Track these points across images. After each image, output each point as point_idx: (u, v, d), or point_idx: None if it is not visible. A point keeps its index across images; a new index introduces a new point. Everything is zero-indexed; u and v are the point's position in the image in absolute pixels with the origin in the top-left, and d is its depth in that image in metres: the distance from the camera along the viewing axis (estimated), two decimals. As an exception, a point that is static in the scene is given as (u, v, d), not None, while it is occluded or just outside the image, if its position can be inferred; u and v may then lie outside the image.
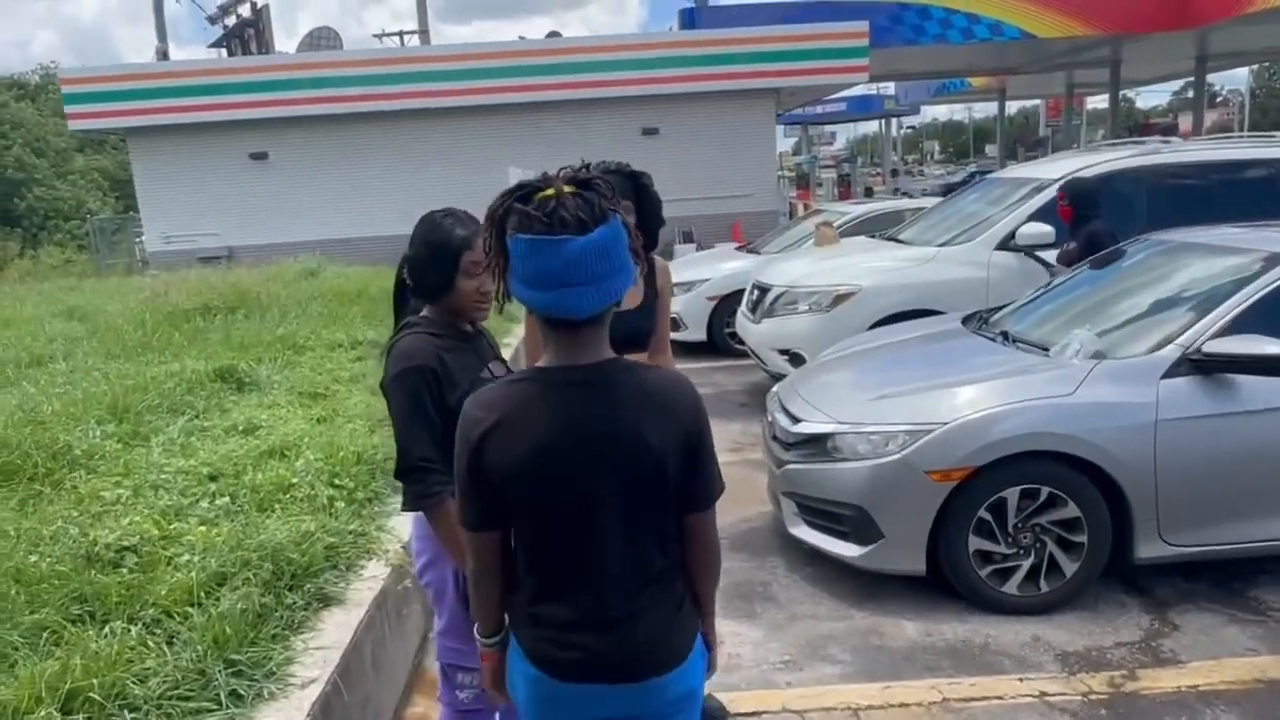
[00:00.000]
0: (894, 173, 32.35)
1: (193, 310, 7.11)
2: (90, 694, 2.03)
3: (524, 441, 1.47)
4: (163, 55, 19.39)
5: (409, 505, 2.12)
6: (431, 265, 2.12)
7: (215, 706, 2.16)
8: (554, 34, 20.34)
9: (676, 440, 1.52)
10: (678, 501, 1.58)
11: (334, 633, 2.60)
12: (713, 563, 1.67)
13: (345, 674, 2.49)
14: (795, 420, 4.12)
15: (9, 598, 2.48)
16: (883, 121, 41.75)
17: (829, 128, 45.86)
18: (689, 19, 19.02)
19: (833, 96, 28.12)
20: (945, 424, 3.61)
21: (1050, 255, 5.93)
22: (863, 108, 36.45)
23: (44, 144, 33.98)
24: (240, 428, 4.22)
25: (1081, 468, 3.52)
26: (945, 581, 3.67)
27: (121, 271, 16.71)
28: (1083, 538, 3.56)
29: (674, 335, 9.38)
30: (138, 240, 19.62)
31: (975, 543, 3.59)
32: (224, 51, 19.43)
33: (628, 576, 1.55)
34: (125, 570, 2.74)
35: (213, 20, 21.93)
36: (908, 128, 61.30)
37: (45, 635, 2.34)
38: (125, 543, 2.86)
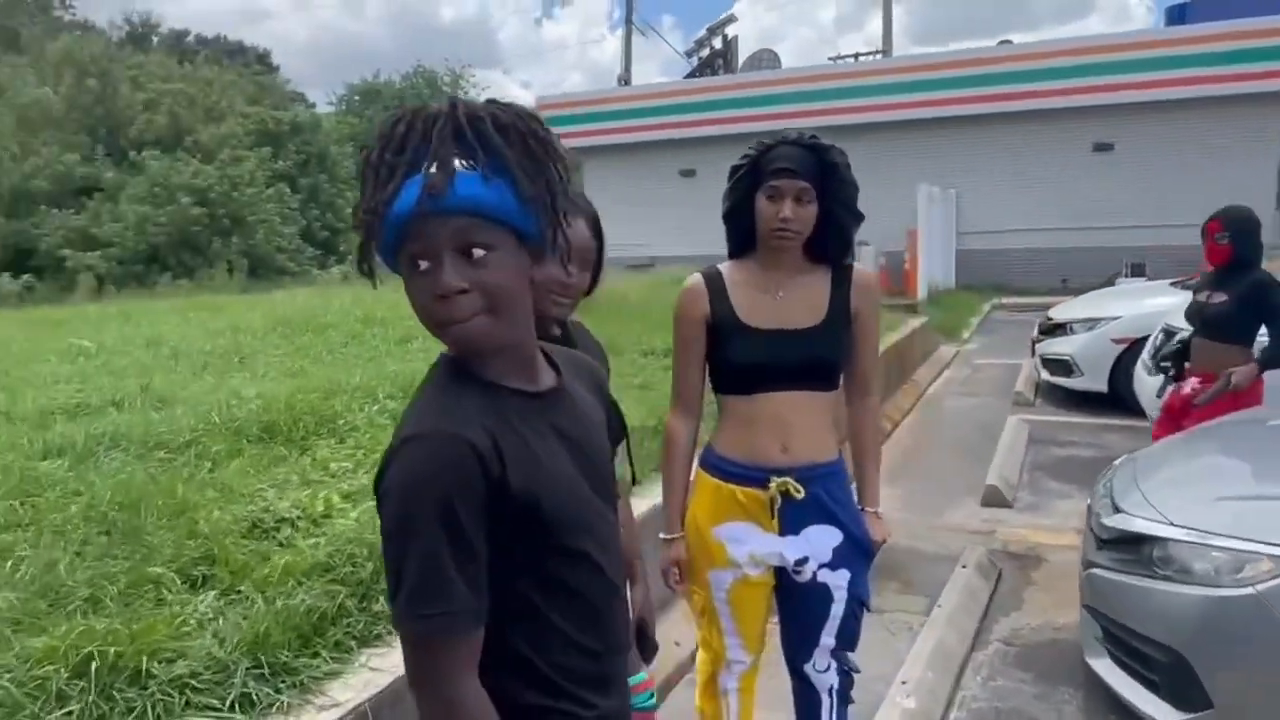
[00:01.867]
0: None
1: (547, 306, 7.52)
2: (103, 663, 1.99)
3: None
4: (623, 83, 21.56)
5: None
6: None
7: (218, 706, 2.00)
8: (1005, 42, 18.60)
9: None
10: None
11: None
12: None
13: (396, 704, 2.20)
14: (1115, 509, 2.97)
15: (155, 548, 2.60)
16: None
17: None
18: (1177, 15, 16.18)
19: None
20: (1347, 555, 2.29)
21: None
22: None
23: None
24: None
25: None
26: (1316, 803, 2.34)
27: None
28: None
29: (1067, 382, 7.87)
30: (582, 248, 22.11)
31: (1379, 756, 2.22)
32: (695, 82, 21.07)
33: None
34: (277, 542, 2.77)
35: (689, 54, 23.98)
36: None
37: (149, 590, 2.40)
38: (289, 514, 2.91)
